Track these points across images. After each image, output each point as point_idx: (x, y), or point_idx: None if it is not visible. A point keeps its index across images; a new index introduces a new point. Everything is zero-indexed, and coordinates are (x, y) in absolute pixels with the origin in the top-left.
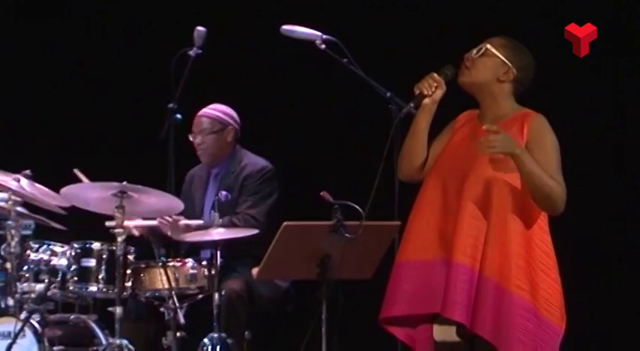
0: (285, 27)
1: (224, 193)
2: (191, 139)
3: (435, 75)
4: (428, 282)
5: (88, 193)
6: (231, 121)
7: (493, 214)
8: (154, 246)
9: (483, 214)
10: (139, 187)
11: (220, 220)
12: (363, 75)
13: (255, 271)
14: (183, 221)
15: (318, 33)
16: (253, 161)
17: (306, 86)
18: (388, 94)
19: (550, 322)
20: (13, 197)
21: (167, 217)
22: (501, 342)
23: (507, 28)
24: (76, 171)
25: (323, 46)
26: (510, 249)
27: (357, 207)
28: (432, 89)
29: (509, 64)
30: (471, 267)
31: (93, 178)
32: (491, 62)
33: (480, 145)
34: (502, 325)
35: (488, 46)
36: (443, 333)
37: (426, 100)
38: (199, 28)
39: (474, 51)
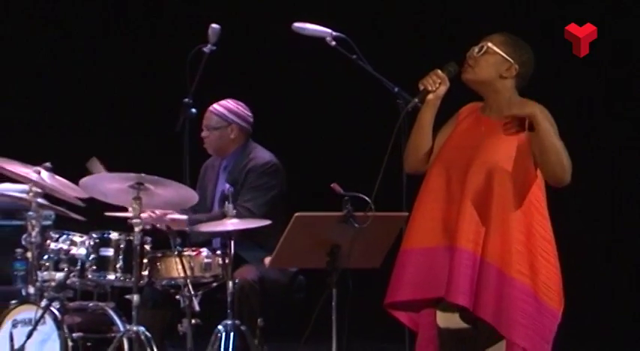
0: (297, 24)
1: (227, 186)
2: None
3: (439, 71)
4: (431, 268)
5: (106, 185)
6: (235, 119)
7: (494, 201)
8: (170, 236)
9: (485, 201)
10: (156, 178)
11: (218, 211)
12: (371, 70)
13: (267, 260)
14: (170, 216)
15: (329, 30)
16: (259, 156)
17: (316, 81)
18: (396, 89)
19: (549, 305)
20: (34, 189)
21: (154, 212)
22: (502, 324)
23: (508, 28)
24: (94, 160)
25: (333, 42)
26: (511, 235)
27: (367, 198)
28: (436, 85)
29: (511, 61)
30: (473, 252)
31: (110, 170)
32: (493, 60)
33: (506, 119)
34: (503, 309)
35: (489, 44)
36: (446, 320)
37: (430, 96)
38: (214, 25)
39: (476, 49)
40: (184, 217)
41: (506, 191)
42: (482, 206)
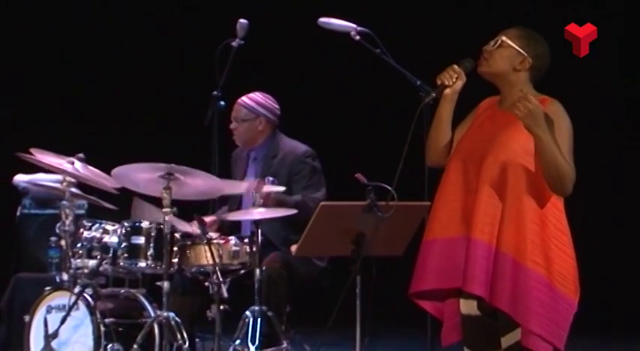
0: (322, 19)
1: (271, 179)
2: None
3: (456, 66)
4: (452, 258)
5: (137, 175)
6: (263, 111)
7: (509, 193)
8: (199, 225)
9: (500, 193)
10: (185, 168)
11: (295, 198)
12: (394, 64)
13: (293, 248)
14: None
15: (353, 25)
16: (294, 145)
17: (340, 74)
18: (418, 82)
19: (564, 294)
20: (67, 179)
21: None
22: (518, 313)
23: (508, 28)
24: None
25: (357, 37)
26: (525, 226)
27: (390, 188)
28: (453, 80)
29: (525, 54)
30: (488, 243)
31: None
32: (507, 53)
33: (516, 102)
34: (519, 298)
35: (504, 38)
36: (468, 307)
37: (447, 90)
38: (242, 20)
39: (491, 43)
40: (281, 188)
41: (520, 182)
42: (497, 198)
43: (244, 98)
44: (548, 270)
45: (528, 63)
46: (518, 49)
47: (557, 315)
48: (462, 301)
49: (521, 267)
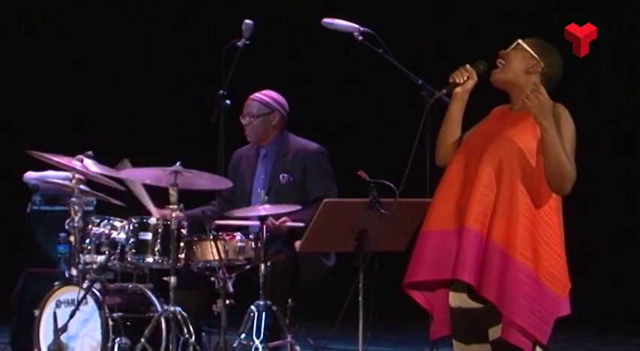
0: (326, 20)
1: (286, 175)
2: (241, 119)
3: (468, 66)
4: (446, 250)
5: (145, 174)
6: (277, 107)
7: (503, 185)
8: (205, 221)
9: (495, 184)
10: (191, 172)
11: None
12: (397, 64)
13: (297, 244)
14: (287, 224)
15: (356, 25)
16: (306, 143)
17: (344, 74)
18: (420, 82)
19: (550, 290)
20: (76, 176)
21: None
22: (504, 304)
23: (508, 29)
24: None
25: (360, 37)
26: (517, 220)
27: (392, 185)
28: (464, 78)
29: (537, 58)
30: (480, 233)
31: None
32: (521, 55)
33: (528, 93)
34: (506, 289)
35: (520, 41)
36: (458, 299)
37: (458, 89)
38: (247, 21)
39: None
40: (301, 224)
41: (515, 177)
42: (492, 189)
43: (258, 94)
44: (536, 265)
45: (540, 67)
46: (532, 52)
47: (542, 310)
48: (451, 293)
49: (510, 259)
